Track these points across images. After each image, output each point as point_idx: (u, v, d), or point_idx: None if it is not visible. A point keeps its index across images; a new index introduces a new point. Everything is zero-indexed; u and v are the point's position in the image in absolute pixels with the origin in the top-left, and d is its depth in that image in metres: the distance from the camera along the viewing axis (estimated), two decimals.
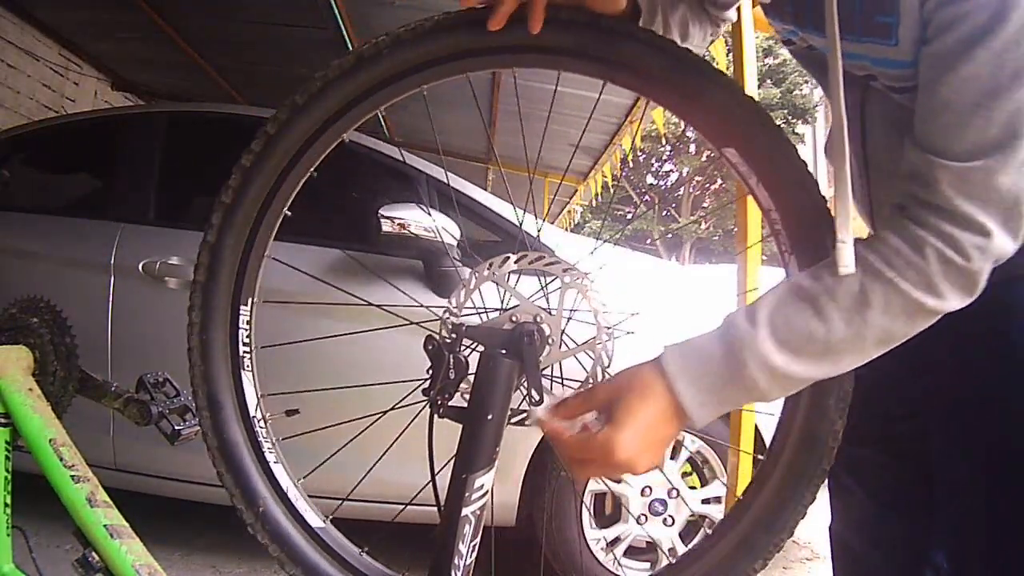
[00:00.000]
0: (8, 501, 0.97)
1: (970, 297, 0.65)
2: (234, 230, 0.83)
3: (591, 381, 0.81)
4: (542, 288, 0.82)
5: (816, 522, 0.97)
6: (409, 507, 2.09)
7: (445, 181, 2.49)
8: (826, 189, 0.73)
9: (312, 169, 0.83)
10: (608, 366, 0.81)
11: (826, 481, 0.97)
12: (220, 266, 0.84)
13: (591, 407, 0.69)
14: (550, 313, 0.80)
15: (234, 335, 0.85)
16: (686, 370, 0.66)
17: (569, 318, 0.81)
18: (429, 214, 2.13)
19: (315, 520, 0.86)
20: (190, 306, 0.84)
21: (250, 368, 0.86)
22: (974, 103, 0.61)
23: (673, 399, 0.66)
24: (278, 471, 0.86)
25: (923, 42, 0.65)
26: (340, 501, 0.97)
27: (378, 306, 1.16)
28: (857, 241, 0.67)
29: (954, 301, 0.65)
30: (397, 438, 0.96)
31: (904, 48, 0.67)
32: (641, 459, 0.66)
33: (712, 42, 0.96)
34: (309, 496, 0.88)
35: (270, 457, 0.86)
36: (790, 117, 19.10)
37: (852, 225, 0.65)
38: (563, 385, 0.84)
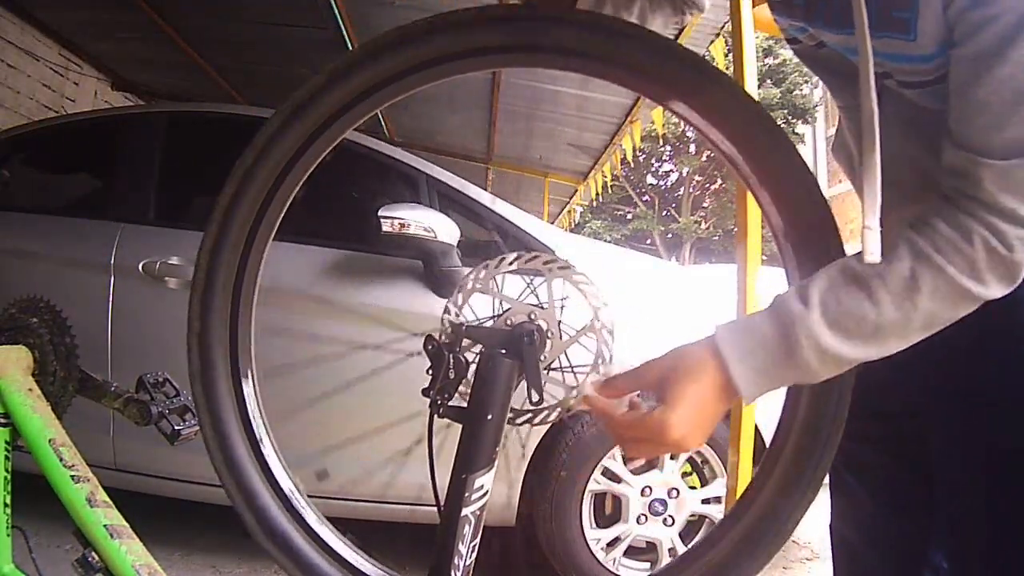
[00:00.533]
0: (8, 501, 0.97)
1: (1010, 286, 0.66)
2: (234, 229, 0.83)
3: (600, 362, 0.81)
4: (527, 284, 0.82)
5: (816, 522, 0.97)
6: (409, 507, 2.09)
7: (440, 178, 2.49)
8: (826, 188, 0.73)
9: (311, 169, 0.83)
10: (611, 347, 0.81)
11: (827, 479, 0.97)
12: (219, 266, 0.84)
13: (641, 386, 0.70)
14: (542, 307, 0.80)
15: (234, 335, 0.85)
16: (739, 350, 0.67)
17: (562, 306, 0.81)
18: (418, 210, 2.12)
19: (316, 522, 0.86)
20: (189, 307, 0.84)
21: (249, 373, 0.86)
22: (1012, 102, 0.62)
23: (726, 378, 0.67)
24: (276, 471, 0.86)
25: (950, 45, 0.65)
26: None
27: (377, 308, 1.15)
28: (907, 226, 0.68)
29: (995, 289, 0.66)
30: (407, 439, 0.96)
31: (923, 42, 0.67)
32: (693, 438, 0.67)
33: (679, 29, 0.97)
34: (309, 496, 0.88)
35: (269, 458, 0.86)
36: (790, 117, 19.09)
37: (879, 212, 0.65)
38: (574, 373, 0.83)
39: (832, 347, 0.66)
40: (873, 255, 0.65)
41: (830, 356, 0.66)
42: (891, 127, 0.81)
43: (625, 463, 2.23)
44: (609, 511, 2.36)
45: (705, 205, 22.47)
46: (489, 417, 0.74)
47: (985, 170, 0.64)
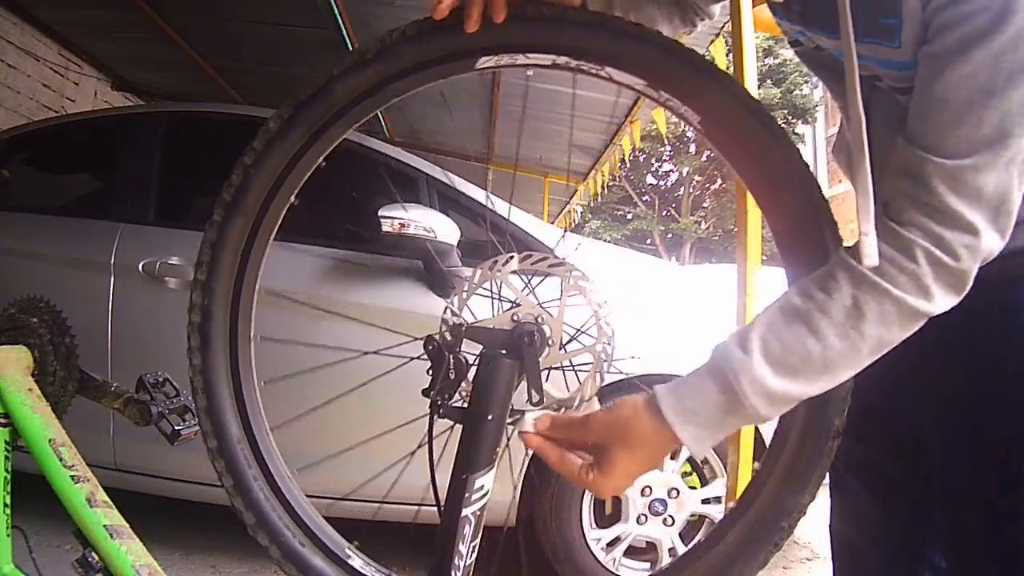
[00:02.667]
0: (8, 501, 0.97)
1: (957, 297, 0.66)
2: (235, 229, 0.83)
3: (600, 362, 0.81)
4: (526, 285, 0.82)
5: (816, 522, 0.97)
6: (407, 507, 2.09)
7: (440, 178, 2.49)
8: (827, 188, 0.73)
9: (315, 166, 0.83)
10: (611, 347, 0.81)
11: (827, 479, 0.97)
12: (220, 265, 0.83)
13: (581, 440, 0.70)
14: (549, 314, 0.80)
15: (234, 335, 0.85)
16: (683, 413, 0.66)
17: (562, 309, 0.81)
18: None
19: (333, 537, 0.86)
20: (190, 307, 0.84)
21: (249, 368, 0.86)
22: (968, 101, 0.62)
23: (672, 440, 0.67)
24: (277, 470, 0.86)
25: (923, 42, 0.65)
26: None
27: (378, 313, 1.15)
28: (845, 251, 0.68)
29: (943, 302, 0.65)
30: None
31: (906, 50, 0.68)
32: (622, 489, 0.69)
33: (686, 33, 0.97)
34: (308, 496, 0.88)
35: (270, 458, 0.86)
36: (790, 117, 19.09)
37: (873, 218, 0.65)
38: (575, 371, 0.83)
39: (779, 388, 0.65)
40: (871, 259, 0.64)
41: (778, 398, 0.65)
42: (885, 129, 0.82)
43: None
44: (609, 511, 2.36)
45: (705, 205, 22.48)
46: (489, 417, 0.74)
47: (934, 168, 0.63)
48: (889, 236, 0.65)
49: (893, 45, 0.68)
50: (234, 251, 0.83)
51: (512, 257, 0.82)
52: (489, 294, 0.82)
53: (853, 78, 0.66)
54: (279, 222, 0.85)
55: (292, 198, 0.83)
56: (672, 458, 2.30)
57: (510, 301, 0.81)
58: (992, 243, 0.64)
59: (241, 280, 0.84)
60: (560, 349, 0.80)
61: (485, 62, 0.77)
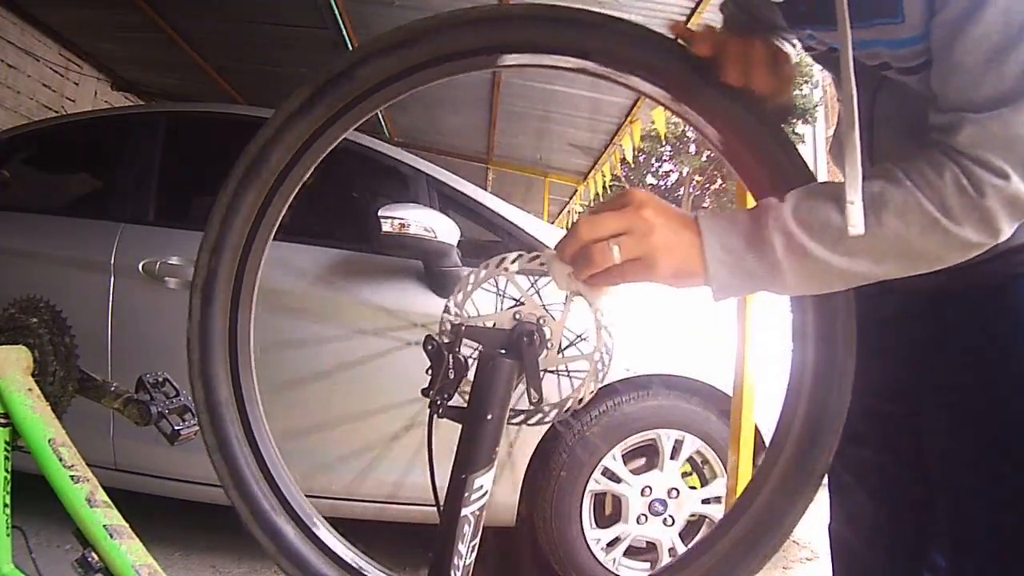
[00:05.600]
0: (8, 501, 0.97)
1: (988, 236, 0.65)
2: (234, 229, 0.83)
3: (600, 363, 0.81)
4: (532, 285, 0.82)
5: (816, 522, 0.97)
6: (408, 508, 2.09)
7: (440, 178, 2.49)
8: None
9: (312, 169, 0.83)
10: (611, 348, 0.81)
11: (827, 479, 0.97)
12: (219, 265, 0.84)
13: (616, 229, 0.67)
14: (551, 316, 0.80)
15: (233, 334, 0.85)
16: (715, 226, 0.68)
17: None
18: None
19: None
20: (189, 307, 0.84)
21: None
22: (987, 61, 0.63)
23: (698, 246, 0.67)
24: (276, 470, 0.86)
25: (932, 13, 0.66)
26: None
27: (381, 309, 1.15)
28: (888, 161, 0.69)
29: (971, 232, 0.65)
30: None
31: (911, 23, 0.68)
32: (662, 240, 0.67)
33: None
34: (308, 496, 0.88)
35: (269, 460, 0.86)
36: (790, 117, 19.06)
37: (860, 186, 0.65)
38: (570, 378, 0.83)
39: (798, 236, 0.66)
40: (856, 227, 0.65)
41: (797, 246, 0.66)
42: (891, 126, 0.82)
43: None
44: (609, 511, 2.36)
45: (705, 205, 22.46)
46: (489, 417, 0.74)
47: (963, 123, 0.64)
48: (927, 156, 0.66)
49: (897, 21, 0.69)
50: (233, 251, 0.84)
51: (507, 258, 0.81)
52: (494, 293, 0.82)
53: (846, 39, 0.67)
54: (279, 219, 0.85)
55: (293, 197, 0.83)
56: (672, 458, 2.30)
57: (514, 299, 0.81)
58: (1022, 191, 0.64)
59: (242, 278, 0.85)
60: (558, 353, 0.80)
61: (508, 60, 0.77)
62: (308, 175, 0.83)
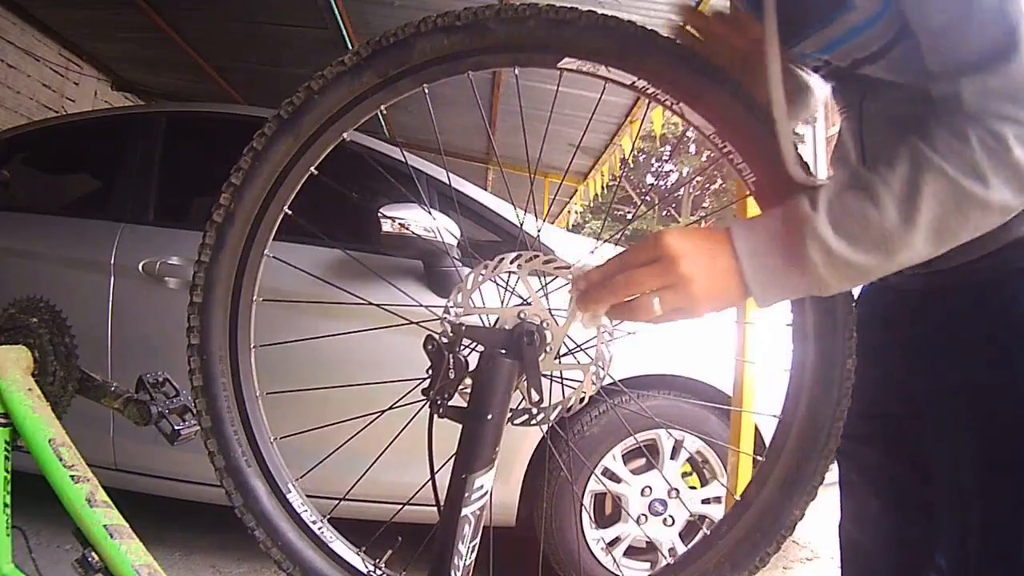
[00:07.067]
0: (8, 501, 0.97)
1: (1021, 191, 0.64)
2: (234, 229, 0.83)
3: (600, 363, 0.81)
4: (542, 287, 0.82)
5: (816, 522, 0.98)
6: (409, 507, 2.09)
7: (446, 181, 2.49)
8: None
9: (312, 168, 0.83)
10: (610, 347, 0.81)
11: (837, 480, 0.97)
12: (220, 262, 0.84)
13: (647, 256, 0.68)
14: (554, 320, 0.80)
15: (233, 333, 0.85)
16: (751, 246, 0.67)
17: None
18: (430, 213, 2.12)
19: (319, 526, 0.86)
20: (189, 308, 0.84)
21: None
22: (965, 16, 0.64)
23: (738, 271, 0.66)
24: (276, 470, 0.86)
25: None
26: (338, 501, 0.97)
27: (379, 306, 1.15)
28: (912, 131, 0.68)
29: (1004, 192, 0.64)
30: (396, 437, 0.96)
31: (863, 8, 0.70)
32: (701, 286, 0.66)
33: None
34: (307, 496, 0.88)
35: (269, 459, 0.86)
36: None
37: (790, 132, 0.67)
38: (563, 386, 0.84)
39: (838, 250, 0.65)
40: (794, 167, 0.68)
41: (838, 259, 0.65)
42: (879, 121, 0.82)
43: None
44: (609, 511, 2.36)
45: (705, 205, 22.47)
46: (489, 417, 0.74)
47: (965, 84, 0.64)
48: (947, 124, 0.65)
49: (848, 10, 0.71)
50: (233, 250, 0.84)
51: (505, 258, 0.81)
52: (502, 286, 0.83)
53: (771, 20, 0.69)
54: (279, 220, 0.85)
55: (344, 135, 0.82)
56: (672, 458, 2.30)
57: (521, 298, 0.81)
58: None
59: (242, 277, 0.85)
60: (556, 359, 0.80)
61: (567, 63, 0.77)
62: (340, 137, 0.82)
